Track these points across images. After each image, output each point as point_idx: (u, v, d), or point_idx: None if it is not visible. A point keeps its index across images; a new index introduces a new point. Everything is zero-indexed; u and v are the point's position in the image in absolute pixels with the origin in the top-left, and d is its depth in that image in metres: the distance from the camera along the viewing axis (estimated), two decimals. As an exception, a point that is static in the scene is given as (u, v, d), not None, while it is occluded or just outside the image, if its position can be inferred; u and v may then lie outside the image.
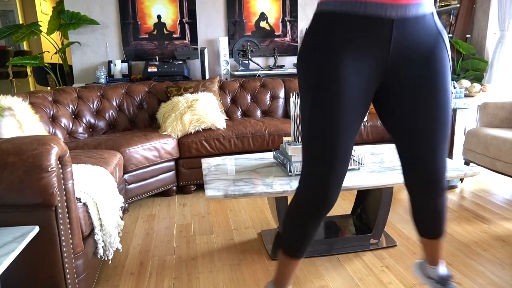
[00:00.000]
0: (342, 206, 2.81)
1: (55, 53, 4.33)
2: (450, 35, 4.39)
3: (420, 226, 1.34)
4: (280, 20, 4.58)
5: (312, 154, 1.15)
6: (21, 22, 6.95)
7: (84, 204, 1.75)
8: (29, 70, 6.84)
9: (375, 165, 2.14)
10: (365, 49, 1.09)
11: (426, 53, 1.12)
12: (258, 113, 3.71)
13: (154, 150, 2.92)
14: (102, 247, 1.85)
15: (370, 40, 1.08)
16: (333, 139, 1.12)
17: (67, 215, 1.58)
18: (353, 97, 1.11)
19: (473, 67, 4.12)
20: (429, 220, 1.29)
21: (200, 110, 3.15)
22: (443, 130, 1.16)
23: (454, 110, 3.21)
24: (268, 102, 3.74)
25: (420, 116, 1.14)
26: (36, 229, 1.43)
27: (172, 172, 3.10)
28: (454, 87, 3.69)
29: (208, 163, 2.26)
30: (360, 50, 1.09)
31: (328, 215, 2.65)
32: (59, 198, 1.52)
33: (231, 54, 4.48)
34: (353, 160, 2.11)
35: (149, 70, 4.02)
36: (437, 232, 1.32)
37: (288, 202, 1.71)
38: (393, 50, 1.10)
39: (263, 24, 4.56)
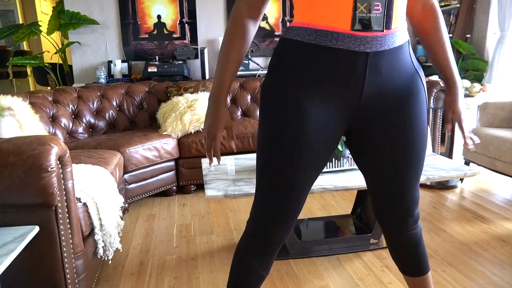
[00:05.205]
0: (342, 206, 2.81)
1: (55, 53, 4.34)
2: (450, 35, 4.39)
3: (403, 264, 1.26)
4: (280, 20, 4.58)
5: (265, 186, 1.07)
6: (21, 22, 6.95)
7: (84, 204, 1.75)
8: (29, 70, 6.84)
9: (375, 165, 2.14)
10: (335, 90, 1.00)
11: (402, 93, 1.05)
12: (258, 113, 3.71)
13: (154, 150, 2.92)
14: (102, 247, 1.85)
15: (342, 79, 0.98)
16: (288, 181, 1.03)
17: (67, 215, 1.58)
18: (315, 143, 1.02)
19: (473, 67, 4.12)
20: (411, 254, 1.23)
21: (200, 110, 3.15)
22: (417, 169, 1.11)
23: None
24: (268, 102, 3.74)
25: (395, 158, 1.08)
26: (36, 229, 1.43)
27: (172, 172, 3.10)
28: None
29: (208, 163, 2.26)
30: (329, 91, 1.00)
31: (328, 215, 2.65)
32: (59, 198, 1.52)
33: (231, 54, 4.47)
34: (353, 160, 2.11)
35: (149, 70, 4.02)
36: (422, 267, 1.25)
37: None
38: (366, 88, 1.00)
39: (263, 24, 4.56)
